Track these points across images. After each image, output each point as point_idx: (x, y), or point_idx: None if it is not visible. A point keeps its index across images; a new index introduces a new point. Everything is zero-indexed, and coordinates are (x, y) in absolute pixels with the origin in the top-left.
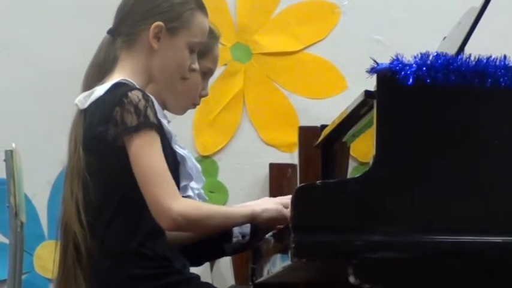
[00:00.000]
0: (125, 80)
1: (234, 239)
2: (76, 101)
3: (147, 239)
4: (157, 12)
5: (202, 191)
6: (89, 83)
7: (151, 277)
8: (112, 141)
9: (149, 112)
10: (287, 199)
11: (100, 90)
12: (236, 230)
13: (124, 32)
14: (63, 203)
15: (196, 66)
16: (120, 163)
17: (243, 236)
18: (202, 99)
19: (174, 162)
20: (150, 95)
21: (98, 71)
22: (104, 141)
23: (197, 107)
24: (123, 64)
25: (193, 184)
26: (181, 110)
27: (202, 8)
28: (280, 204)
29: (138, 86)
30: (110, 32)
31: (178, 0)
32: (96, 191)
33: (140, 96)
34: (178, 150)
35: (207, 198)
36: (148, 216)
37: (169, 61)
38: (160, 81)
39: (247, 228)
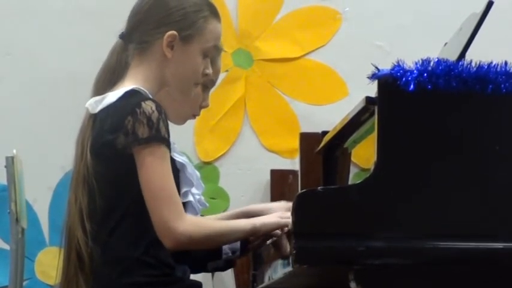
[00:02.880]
0: (137, 88)
1: (224, 256)
2: (87, 104)
3: (151, 246)
4: (171, 21)
5: (202, 197)
6: (100, 87)
7: (153, 285)
8: (121, 149)
9: (161, 125)
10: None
11: (112, 96)
12: (226, 247)
13: (136, 39)
14: (67, 208)
15: (209, 70)
16: (128, 172)
17: (233, 252)
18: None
19: (173, 170)
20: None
21: (109, 76)
22: (112, 149)
23: None
24: (135, 71)
25: (193, 190)
26: (182, 120)
27: (215, 14)
28: (279, 218)
29: (150, 95)
30: (121, 36)
31: (192, 9)
32: (101, 198)
33: (154, 107)
34: (177, 157)
35: (207, 204)
36: (152, 224)
37: (183, 68)
38: (174, 87)
39: (237, 244)
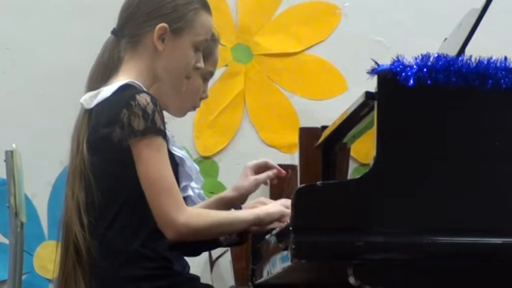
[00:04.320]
0: (132, 81)
1: (221, 237)
2: (81, 100)
3: (149, 239)
4: (161, 14)
5: (201, 191)
6: (93, 83)
7: (151, 278)
8: (117, 143)
9: (157, 117)
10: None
11: (107, 91)
12: None
13: (128, 33)
14: (64, 203)
15: (201, 64)
16: (124, 165)
17: (230, 234)
18: (203, 100)
19: (172, 164)
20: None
21: (102, 72)
22: (109, 142)
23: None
24: (128, 65)
25: (193, 184)
26: (181, 112)
27: (206, 7)
28: (282, 206)
29: (144, 88)
30: (113, 32)
31: (182, 1)
32: (99, 192)
33: (148, 99)
34: (176, 151)
35: (206, 198)
36: (151, 217)
37: (174, 61)
38: (166, 81)
39: None
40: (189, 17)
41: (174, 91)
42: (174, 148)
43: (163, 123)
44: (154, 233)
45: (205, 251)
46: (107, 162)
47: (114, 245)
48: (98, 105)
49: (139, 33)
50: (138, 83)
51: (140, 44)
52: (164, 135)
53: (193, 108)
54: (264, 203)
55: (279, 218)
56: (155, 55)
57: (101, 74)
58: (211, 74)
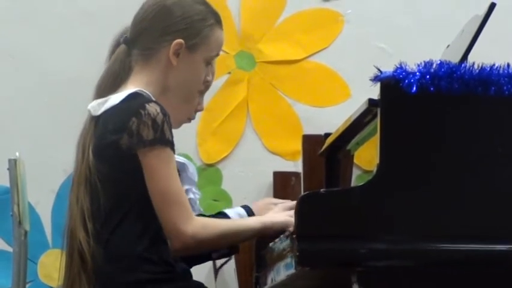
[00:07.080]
0: (140, 90)
1: (214, 254)
2: (89, 107)
3: (153, 244)
4: (177, 29)
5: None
6: (102, 91)
7: (156, 282)
8: (125, 150)
9: (166, 128)
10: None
11: (115, 98)
12: None
13: (141, 45)
14: (68, 209)
15: (210, 78)
16: (131, 172)
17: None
18: (205, 108)
19: None
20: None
21: (112, 81)
22: (116, 149)
23: (201, 115)
24: (138, 76)
25: (194, 189)
26: (177, 124)
27: (219, 22)
28: (289, 216)
29: (153, 98)
30: (125, 42)
31: (197, 17)
32: (104, 198)
33: (158, 110)
34: (177, 158)
35: (201, 209)
36: (155, 222)
37: (186, 76)
38: (177, 94)
39: None
40: (204, 33)
41: (184, 104)
42: (175, 155)
43: (172, 134)
44: (157, 238)
45: (195, 264)
46: (113, 169)
47: (117, 250)
48: (105, 112)
49: (153, 47)
50: (147, 92)
51: (153, 57)
52: (172, 147)
53: (189, 120)
54: (273, 204)
55: (284, 227)
56: (168, 69)
57: (110, 82)
58: (208, 86)
